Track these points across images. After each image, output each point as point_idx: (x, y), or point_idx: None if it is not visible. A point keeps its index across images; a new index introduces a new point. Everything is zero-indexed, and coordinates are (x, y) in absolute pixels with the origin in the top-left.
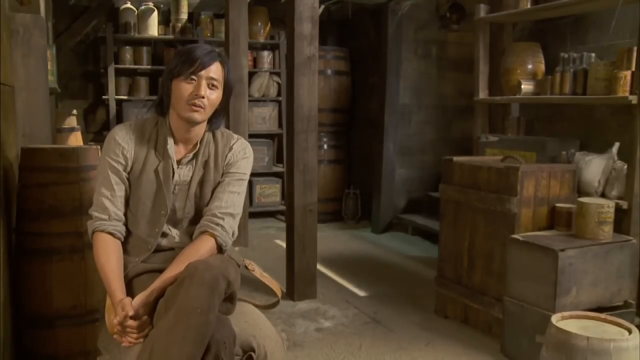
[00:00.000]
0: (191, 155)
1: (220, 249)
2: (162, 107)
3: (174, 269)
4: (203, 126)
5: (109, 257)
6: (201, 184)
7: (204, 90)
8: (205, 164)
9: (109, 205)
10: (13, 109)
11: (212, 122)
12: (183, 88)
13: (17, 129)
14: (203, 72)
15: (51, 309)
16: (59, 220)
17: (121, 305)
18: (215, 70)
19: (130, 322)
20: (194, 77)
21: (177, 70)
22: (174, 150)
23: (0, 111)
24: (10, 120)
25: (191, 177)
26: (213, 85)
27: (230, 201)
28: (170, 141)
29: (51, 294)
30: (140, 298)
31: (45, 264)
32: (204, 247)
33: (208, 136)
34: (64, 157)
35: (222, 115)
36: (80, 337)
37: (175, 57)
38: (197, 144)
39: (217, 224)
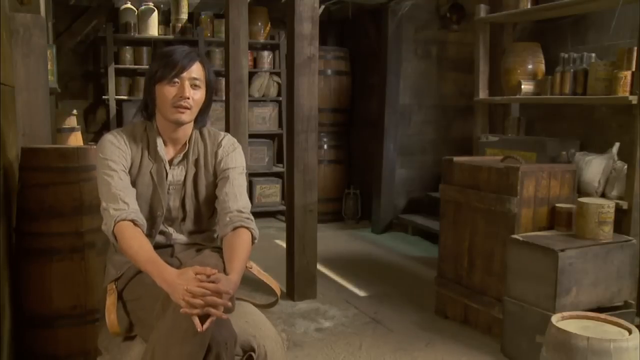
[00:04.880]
0: (181, 155)
1: (252, 241)
2: (147, 111)
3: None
4: (190, 125)
5: (142, 241)
6: (195, 182)
7: (188, 91)
8: (196, 162)
9: (124, 197)
10: (13, 109)
11: (198, 120)
12: (167, 91)
13: (17, 129)
14: (185, 74)
15: (51, 309)
16: (59, 220)
17: (194, 271)
18: (196, 70)
19: (210, 286)
20: (176, 79)
21: (159, 75)
22: (165, 152)
23: (0, 111)
24: (10, 120)
25: (185, 177)
26: (196, 85)
27: (246, 199)
28: (160, 143)
29: (51, 294)
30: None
31: (45, 264)
32: (246, 239)
33: (196, 135)
34: (64, 157)
35: (207, 113)
36: (80, 337)
37: (155, 61)
38: (186, 143)
39: (248, 218)
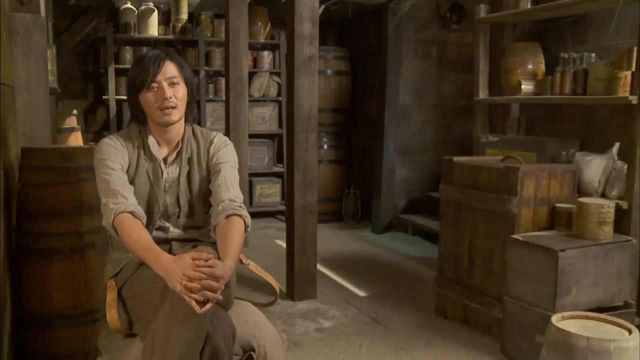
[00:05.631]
0: (175, 154)
1: (245, 229)
2: (138, 119)
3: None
4: (181, 125)
5: (140, 231)
6: (189, 179)
7: (168, 91)
8: (189, 160)
9: (122, 192)
10: (13, 109)
11: (188, 115)
12: (149, 98)
13: (17, 129)
14: (159, 77)
15: (51, 309)
16: (59, 220)
17: (190, 257)
18: (169, 69)
19: (206, 270)
20: (153, 84)
21: (138, 86)
22: (159, 152)
23: (0, 111)
24: (10, 120)
25: (179, 174)
26: (173, 83)
27: (237, 190)
28: (154, 144)
29: (51, 294)
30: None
31: (45, 264)
32: (239, 227)
33: (189, 134)
34: (64, 157)
35: (194, 107)
36: (80, 337)
37: (130, 74)
38: (179, 142)
39: (240, 206)
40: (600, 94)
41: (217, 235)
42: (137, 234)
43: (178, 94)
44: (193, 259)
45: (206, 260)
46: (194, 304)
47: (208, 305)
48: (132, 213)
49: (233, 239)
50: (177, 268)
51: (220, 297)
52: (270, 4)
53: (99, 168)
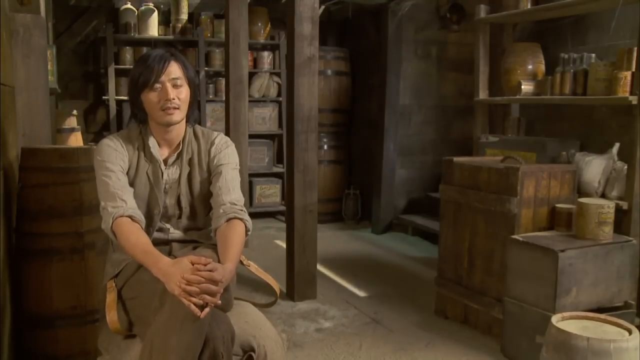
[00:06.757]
0: (175, 155)
1: (246, 233)
2: (139, 119)
3: (224, 253)
4: (182, 124)
5: (138, 234)
6: (190, 180)
7: (172, 92)
8: (190, 161)
9: (122, 196)
10: (13, 109)
11: (189, 117)
12: (152, 98)
13: (17, 129)
14: (163, 77)
15: (51, 309)
16: (59, 221)
17: (189, 260)
18: (173, 70)
19: (205, 274)
20: (157, 84)
21: (140, 85)
22: (159, 153)
23: (0, 111)
24: (10, 120)
25: (179, 176)
26: (177, 84)
27: (239, 192)
28: (154, 145)
29: (51, 294)
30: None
31: (45, 264)
32: (239, 230)
33: (190, 134)
34: (64, 157)
35: (195, 107)
36: (80, 337)
37: (133, 73)
38: (179, 143)
39: (242, 210)
40: (600, 94)
41: (217, 238)
42: (135, 238)
43: (181, 95)
44: (192, 263)
45: (205, 264)
46: (192, 307)
47: (207, 309)
48: (130, 217)
49: (233, 242)
50: (175, 271)
51: (219, 302)
52: (270, 4)
53: (98, 170)
